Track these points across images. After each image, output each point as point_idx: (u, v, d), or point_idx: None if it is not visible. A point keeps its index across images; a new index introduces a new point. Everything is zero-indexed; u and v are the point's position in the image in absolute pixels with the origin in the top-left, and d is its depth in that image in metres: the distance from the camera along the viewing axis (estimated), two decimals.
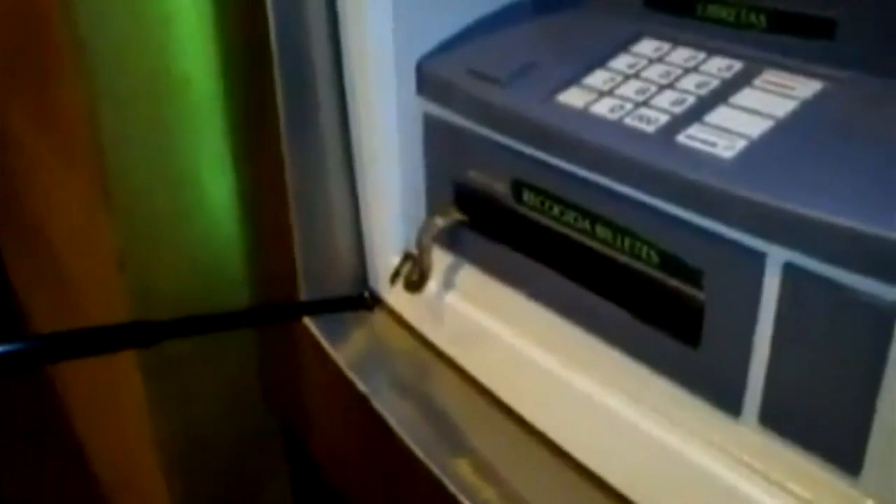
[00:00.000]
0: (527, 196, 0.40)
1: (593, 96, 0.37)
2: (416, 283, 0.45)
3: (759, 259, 0.30)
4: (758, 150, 0.31)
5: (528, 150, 0.38)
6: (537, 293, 0.41)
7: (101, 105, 0.57)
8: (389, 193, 0.48)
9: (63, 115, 0.67)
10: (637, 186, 0.34)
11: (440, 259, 0.46)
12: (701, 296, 0.33)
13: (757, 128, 0.32)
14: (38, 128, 0.78)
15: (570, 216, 0.38)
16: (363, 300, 0.50)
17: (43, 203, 0.87)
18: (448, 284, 0.45)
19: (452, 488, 0.39)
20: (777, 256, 0.30)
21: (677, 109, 0.35)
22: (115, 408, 0.82)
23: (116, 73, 0.56)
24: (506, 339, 0.41)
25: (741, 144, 0.32)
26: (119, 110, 0.57)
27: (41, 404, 1.17)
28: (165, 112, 0.58)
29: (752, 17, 0.36)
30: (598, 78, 0.38)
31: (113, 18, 0.54)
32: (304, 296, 0.52)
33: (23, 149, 0.87)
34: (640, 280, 0.35)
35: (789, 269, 0.29)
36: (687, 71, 0.37)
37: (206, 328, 0.44)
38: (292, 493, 0.73)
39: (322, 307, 0.51)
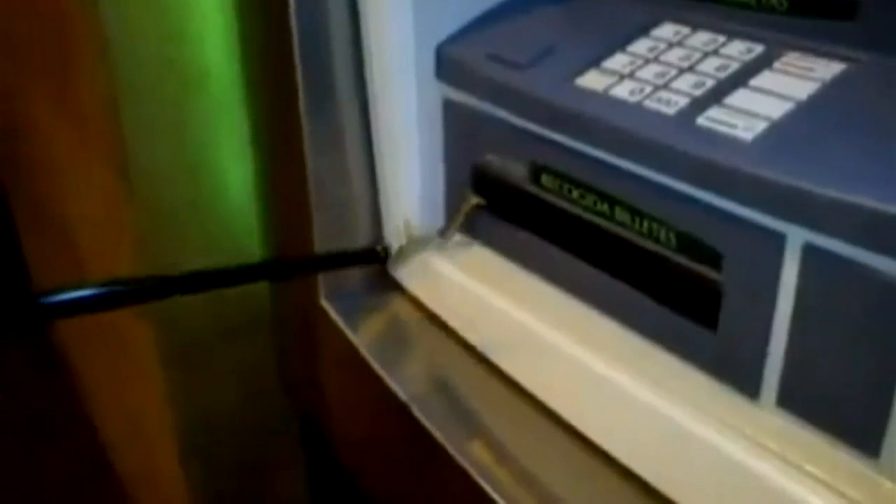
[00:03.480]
0: (545, 179, 0.40)
1: (613, 79, 0.37)
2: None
3: (778, 240, 0.30)
4: (778, 132, 0.31)
5: (548, 134, 0.38)
6: (555, 276, 0.41)
7: (121, 95, 0.57)
8: (409, 179, 0.48)
9: (84, 105, 0.67)
10: (656, 168, 0.34)
11: (458, 242, 0.46)
12: (719, 278, 0.33)
13: (777, 110, 0.32)
14: (60, 118, 0.79)
15: (588, 199, 0.38)
16: (376, 254, 0.49)
17: (63, 191, 0.87)
18: (466, 268, 0.45)
19: (469, 469, 0.39)
20: (797, 237, 0.30)
21: (697, 92, 0.35)
22: (133, 394, 0.82)
23: (136, 63, 0.56)
24: (523, 322, 0.42)
25: (761, 126, 0.32)
26: (139, 100, 0.57)
27: (58, 391, 1.18)
28: (185, 101, 0.59)
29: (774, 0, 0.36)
30: (617, 61, 0.38)
31: (132, 8, 0.55)
32: (322, 283, 0.52)
33: (44, 138, 0.88)
34: (658, 263, 0.35)
35: (809, 250, 0.29)
36: (707, 54, 0.37)
37: (215, 283, 0.44)
38: (308, 478, 0.74)
39: (334, 262, 0.50)
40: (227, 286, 0.45)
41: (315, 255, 0.51)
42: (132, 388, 0.81)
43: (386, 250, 0.49)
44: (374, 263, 0.50)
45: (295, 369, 0.66)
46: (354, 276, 0.53)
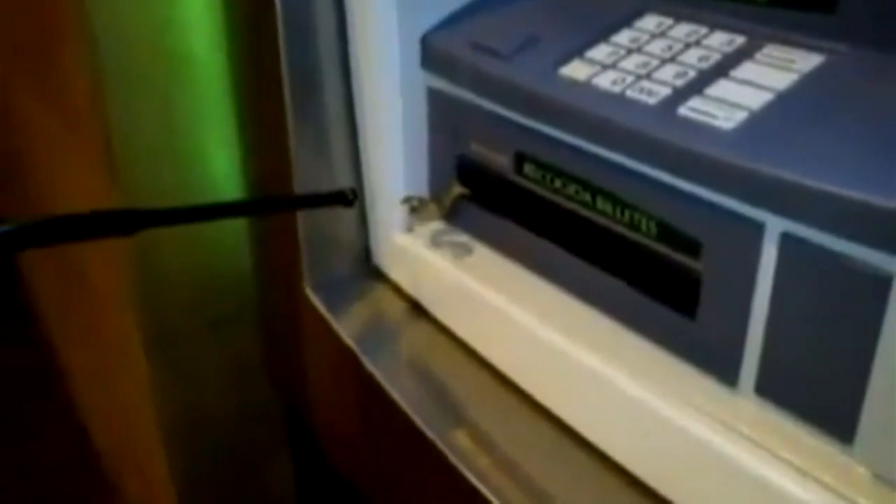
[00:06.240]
0: (528, 169, 0.40)
1: (595, 69, 0.37)
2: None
3: (757, 229, 0.30)
4: (758, 122, 0.31)
5: (530, 123, 0.39)
6: (537, 265, 0.42)
7: (106, 81, 0.57)
8: (393, 168, 0.48)
9: (69, 91, 0.67)
10: (637, 158, 0.34)
11: (442, 232, 0.46)
12: (699, 266, 0.33)
13: (757, 100, 0.32)
14: (45, 104, 0.78)
15: (570, 188, 0.38)
16: (344, 196, 0.47)
17: (48, 178, 0.87)
18: (449, 257, 0.46)
19: (451, 457, 0.39)
20: (775, 226, 0.30)
21: (679, 82, 0.35)
22: (118, 385, 0.82)
23: (121, 50, 0.56)
24: (505, 312, 0.42)
25: (741, 116, 0.32)
26: (124, 86, 0.57)
27: (44, 381, 1.18)
28: (170, 88, 0.58)
29: None
30: (600, 51, 0.38)
31: None
32: (308, 273, 0.52)
33: (29, 125, 0.88)
34: (639, 252, 0.36)
35: (787, 239, 0.30)
36: (689, 45, 0.37)
37: (190, 217, 0.43)
38: (294, 470, 0.74)
39: (302, 202, 0.50)
40: (193, 222, 0.43)
41: (284, 195, 0.51)
42: (118, 379, 0.81)
43: (354, 192, 0.47)
44: (343, 205, 0.49)
45: (280, 360, 0.66)
46: (339, 266, 0.53)
